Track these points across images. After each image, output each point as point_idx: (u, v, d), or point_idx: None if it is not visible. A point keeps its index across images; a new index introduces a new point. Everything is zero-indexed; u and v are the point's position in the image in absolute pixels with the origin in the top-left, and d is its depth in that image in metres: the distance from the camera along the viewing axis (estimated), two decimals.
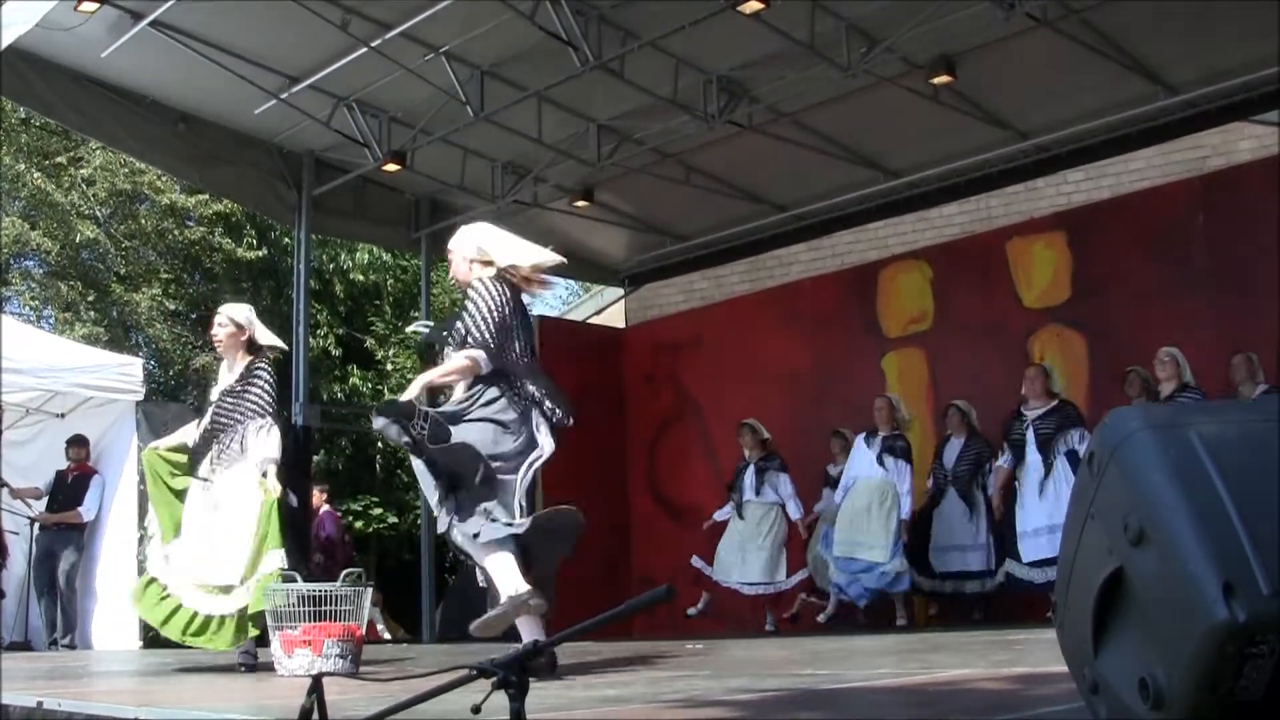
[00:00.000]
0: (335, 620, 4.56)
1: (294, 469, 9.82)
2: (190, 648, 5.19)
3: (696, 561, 9.12)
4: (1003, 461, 8.03)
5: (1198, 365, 7.39)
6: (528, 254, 4.44)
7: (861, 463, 8.46)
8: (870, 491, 8.28)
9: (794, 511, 8.79)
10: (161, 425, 9.32)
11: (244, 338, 5.31)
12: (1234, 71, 8.13)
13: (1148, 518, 1.41)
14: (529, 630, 4.12)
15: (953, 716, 2.41)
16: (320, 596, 4.60)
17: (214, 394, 5.31)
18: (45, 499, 8.97)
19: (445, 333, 4.52)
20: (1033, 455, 7.69)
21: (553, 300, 21.15)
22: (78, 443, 9.05)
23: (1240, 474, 1.40)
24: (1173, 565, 1.37)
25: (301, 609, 4.57)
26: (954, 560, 8.46)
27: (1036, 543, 7.55)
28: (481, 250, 4.41)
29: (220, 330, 5.28)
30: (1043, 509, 7.54)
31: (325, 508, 11.29)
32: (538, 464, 4.24)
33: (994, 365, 8.98)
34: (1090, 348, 8.74)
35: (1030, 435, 7.72)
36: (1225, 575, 1.32)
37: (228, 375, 5.30)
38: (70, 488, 8.94)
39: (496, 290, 4.31)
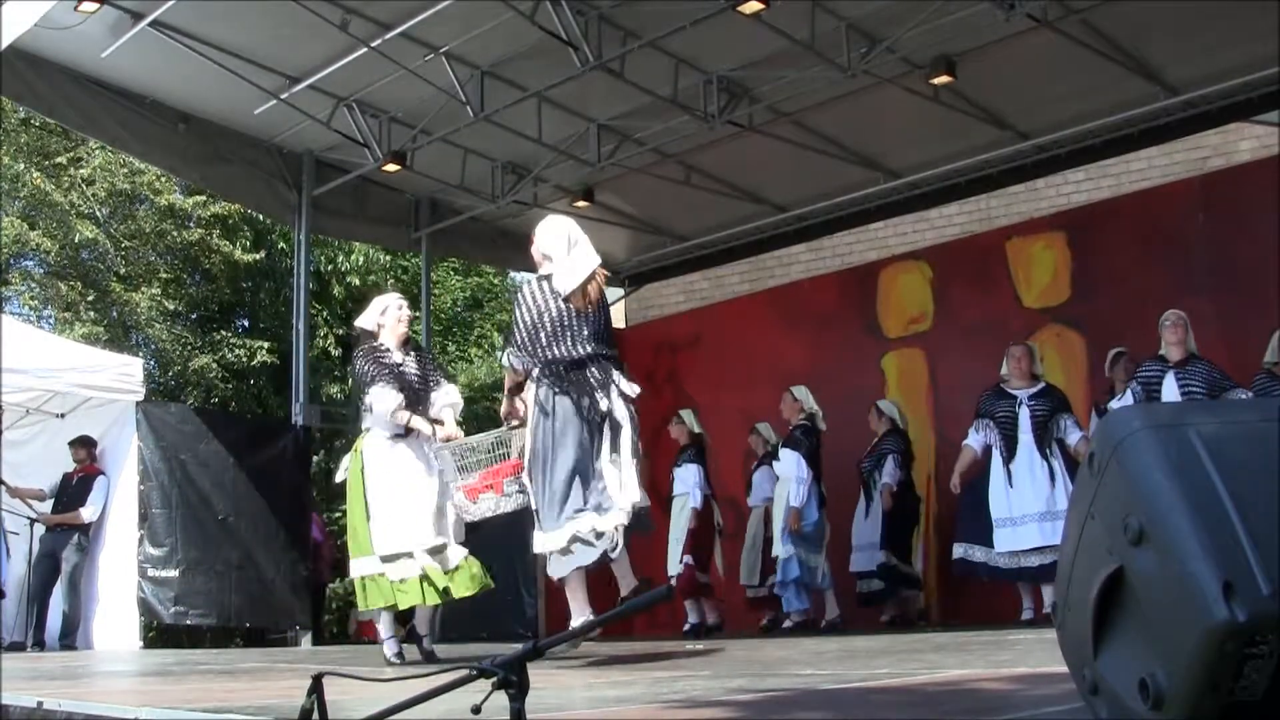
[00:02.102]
0: (506, 460, 4.95)
1: (295, 470, 9.89)
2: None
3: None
4: (973, 441, 7.42)
5: None
6: (563, 277, 4.77)
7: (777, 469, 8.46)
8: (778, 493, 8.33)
9: (692, 499, 8.66)
10: (162, 425, 9.35)
11: None
12: (1234, 71, 8.13)
13: (1148, 517, 1.41)
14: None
15: (953, 716, 2.41)
16: (493, 443, 5.05)
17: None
18: (50, 501, 8.96)
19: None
20: (1026, 436, 7.19)
21: None
22: (84, 443, 9.03)
23: (1240, 473, 1.40)
24: (1173, 565, 1.37)
25: (474, 459, 5.02)
26: (857, 560, 8.58)
27: (1022, 531, 7.03)
28: (542, 253, 4.87)
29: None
30: (1037, 494, 7.03)
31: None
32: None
33: (994, 365, 8.95)
34: (1090, 348, 8.74)
35: (1025, 415, 7.24)
36: (1225, 575, 1.32)
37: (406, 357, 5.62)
38: (75, 489, 8.92)
39: (530, 292, 4.77)
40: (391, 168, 9.46)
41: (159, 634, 10.57)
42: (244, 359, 15.87)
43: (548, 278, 4.80)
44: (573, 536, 4.54)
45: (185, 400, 15.00)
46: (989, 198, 10.24)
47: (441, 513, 5.39)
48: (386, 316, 5.63)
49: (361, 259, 17.12)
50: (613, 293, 13.27)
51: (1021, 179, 9.73)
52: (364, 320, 5.73)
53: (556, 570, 4.66)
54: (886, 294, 10.05)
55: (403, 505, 5.34)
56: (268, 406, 15.96)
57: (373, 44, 8.11)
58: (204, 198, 15.20)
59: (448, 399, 5.58)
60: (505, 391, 4.93)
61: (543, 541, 4.65)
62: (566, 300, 4.73)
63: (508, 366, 4.82)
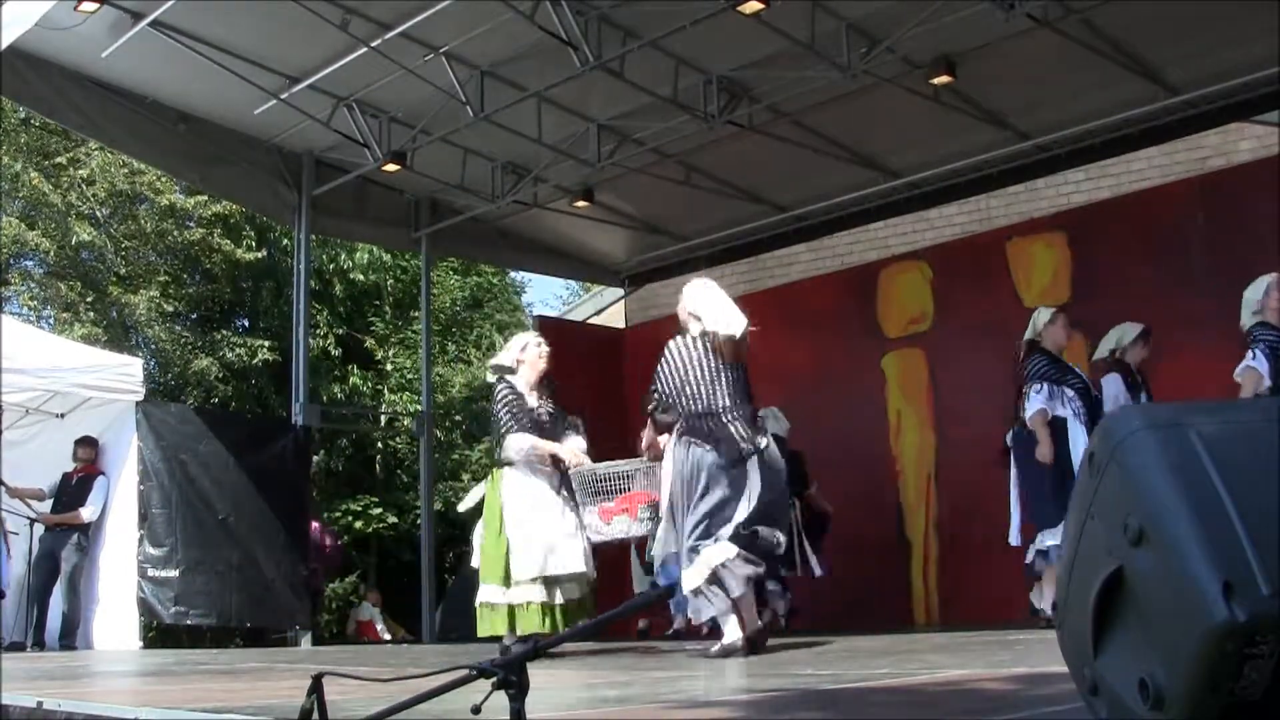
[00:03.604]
0: (646, 490, 5.43)
1: (295, 470, 9.89)
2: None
3: None
4: (1049, 407, 6.33)
5: (1198, 366, 7.35)
6: (723, 323, 5.13)
7: None
8: None
9: None
10: (162, 425, 9.35)
11: None
12: (1234, 71, 8.13)
13: (1148, 518, 1.41)
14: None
15: (953, 716, 2.41)
16: (626, 474, 5.52)
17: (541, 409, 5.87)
18: (50, 501, 8.95)
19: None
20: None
21: (553, 300, 21.12)
22: (86, 443, 9.02)
23: (1240, 474, 1.40)
24: (1173, 565, 1.37)
25: (614, 484, 5.47)
26: None
27: None
28: (690, 312, 5.21)
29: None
30: None
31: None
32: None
33: (994, 365, 8.97)
34: (1091, 348, 8.71)
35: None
36: (1225, 575, 1.32)
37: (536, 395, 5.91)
38: (75, 489, 8.91)
39: (678, 349, 5.10)
40: (391, 168, 9.46)
41: (159, 634, 10.57)
42: (244, 358, 15.86)
43: (699, 335, 5.09)
44: (712, 568, 4.79)
45: (185, 400, 15.00)
46: (989, 198, 10.24)
47: (573, 541, 5.70)
48: (526, 354, 5.89)
49: (367, 256, 17.14)
50: (613, 293, 13.28)
51: (1021, 179, 9.72)
52: (503, 357, 5.99)
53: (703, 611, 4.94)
54: (886, 294, 10.05)
55: (540, 534, 5.61)
56: (268, 406, 15.96)
57: (373, 44, 8.11)
58: (205, 198, 15.19)
59: (576, 445, 5.87)
60: (646, 433, 5.33)
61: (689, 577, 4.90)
62: (718, 351, 5.06)
63: (655, 419, 5.24)
